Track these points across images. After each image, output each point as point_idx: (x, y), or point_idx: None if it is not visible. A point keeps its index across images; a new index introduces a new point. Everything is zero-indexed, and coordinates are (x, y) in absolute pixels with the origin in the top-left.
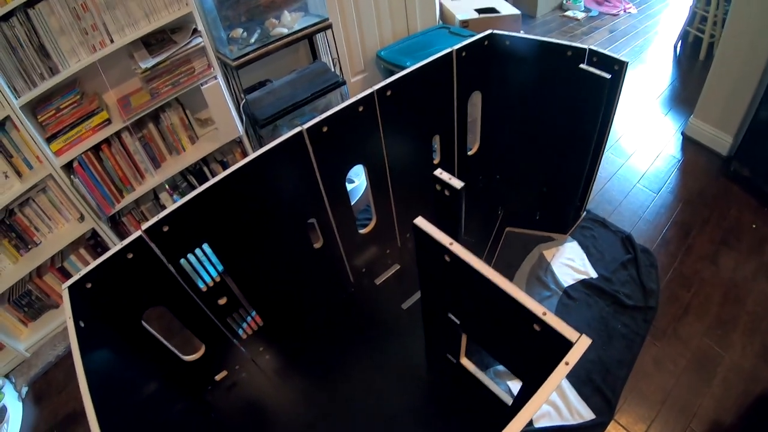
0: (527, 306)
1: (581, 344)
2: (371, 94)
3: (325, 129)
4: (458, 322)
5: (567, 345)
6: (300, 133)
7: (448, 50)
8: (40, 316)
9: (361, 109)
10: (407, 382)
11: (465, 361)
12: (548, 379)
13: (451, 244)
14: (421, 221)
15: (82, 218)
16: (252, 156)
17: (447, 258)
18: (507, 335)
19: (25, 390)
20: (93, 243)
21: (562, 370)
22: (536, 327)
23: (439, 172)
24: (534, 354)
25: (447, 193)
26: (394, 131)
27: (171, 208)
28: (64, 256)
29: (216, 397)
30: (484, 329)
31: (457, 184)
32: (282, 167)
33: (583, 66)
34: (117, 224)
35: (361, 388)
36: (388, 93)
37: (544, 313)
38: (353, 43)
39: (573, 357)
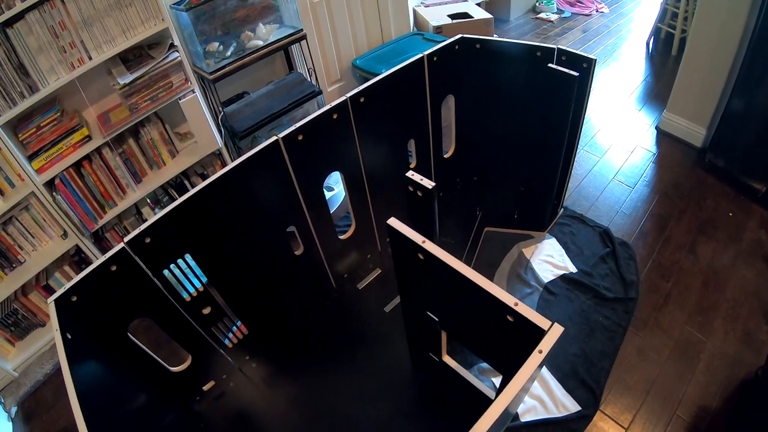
0: (499, 297)
1: (554, 332)
2: (345, 101)
3: (300, 137)
4: (437, 320)
5: (540, 333)
6: (276, 142)
7: (420, 56)
8: (27, 335)
9: (335, 116)
10: (394, 384)
11: (447, 359)
12: (522, 367)
13: (423, 242)
14: (394, 222)
15: (65, 235)
16: (229, 167)
17: (421, 256)
18: (483, 328)
19: (14, 410)
20: (77, 260)
21: (536, 358)
22: (509, 318)
23: (410, 174)
24: (509, 345)
25: (420, 193)
26: (369, 137)
27: (152, 219)
28: (48, 274)
29: (204, 407)
30: (461, 324)
31: (429, 184)
32: (259, 177)
33: (551, 65)
34: (100, 240)
35: (348, 392)
36: (362, 100)
37: (516, 304)
38: (329, 52)
39: (546, 345)
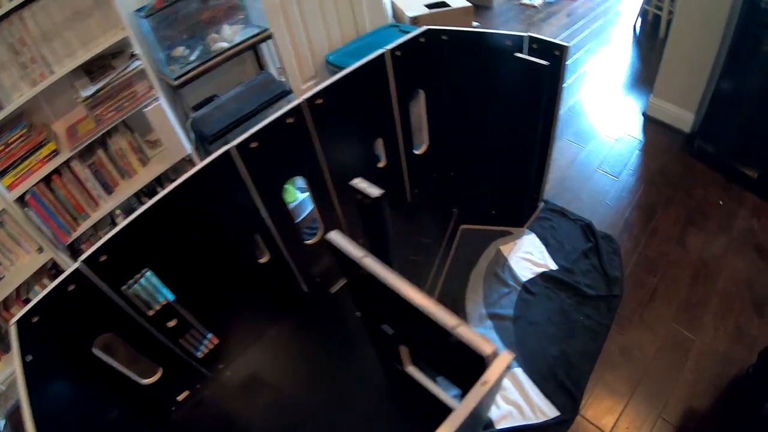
0: (437, 319)
1: (499, 362)
2: (300, 104)
3: (254, 145)
4: (392, 333)
5: (482, 359)
6: (228, 152)
7: (380, 51)
8: (12, 349)
9: (290, 120)
10: (366, 391)
11: (411, 369)
12: (463, 401)
13: (362, 257)
14: (333, 235)
15: (40, 249)
16: (181, 180)
17: (361, 272)
18: (431, 347)
19: (2, 423)
20: (54, 273)
21: (479, 390)
22: (451, 340)
23: (356, 182)
24: (458, 366)
25: (367, 201)
26: (330, 139)
27: (106, 237)
28: (29, 288)
29: (181, 417)
30: (412, 340)
31: (376, 192)
32: (216, 187)
33: (519, 54)
34: (76, 252)
35: (322, 397)
36: (319, 101)
37: (457, 326)
38: (301, 49)
39: (492, 375)
